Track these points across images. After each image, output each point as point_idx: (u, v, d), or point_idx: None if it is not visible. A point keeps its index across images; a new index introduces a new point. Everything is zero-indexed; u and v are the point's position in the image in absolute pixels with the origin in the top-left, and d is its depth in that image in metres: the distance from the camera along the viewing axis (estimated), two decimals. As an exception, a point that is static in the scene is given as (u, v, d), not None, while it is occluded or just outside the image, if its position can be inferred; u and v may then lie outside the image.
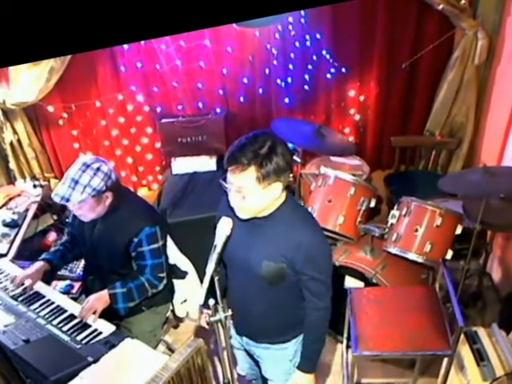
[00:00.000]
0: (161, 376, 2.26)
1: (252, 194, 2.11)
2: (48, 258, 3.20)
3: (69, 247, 3.24)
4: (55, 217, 4.32)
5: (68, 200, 2.69)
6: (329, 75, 4.81)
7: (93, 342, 2.70)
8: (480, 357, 2.85)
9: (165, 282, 3.05)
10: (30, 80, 4.34)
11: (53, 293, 3.12)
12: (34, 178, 4.59)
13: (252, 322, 2.56)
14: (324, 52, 4.70)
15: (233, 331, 2.71)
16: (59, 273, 3.62)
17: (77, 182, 2.68)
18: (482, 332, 3.01)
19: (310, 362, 2.51)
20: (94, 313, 2.85)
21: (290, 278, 2.29)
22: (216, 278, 2.16)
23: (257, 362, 2.81)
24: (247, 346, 2.72)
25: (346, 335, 3.60)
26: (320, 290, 2.35)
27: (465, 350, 2.93)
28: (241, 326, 2.64)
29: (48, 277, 3.20)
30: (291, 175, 2.23)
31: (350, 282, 3.55)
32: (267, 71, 4.77)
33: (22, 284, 3.06)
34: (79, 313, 2.85)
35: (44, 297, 3.05)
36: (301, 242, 2.19)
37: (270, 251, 2.25)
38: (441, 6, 4.12)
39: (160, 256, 2.99)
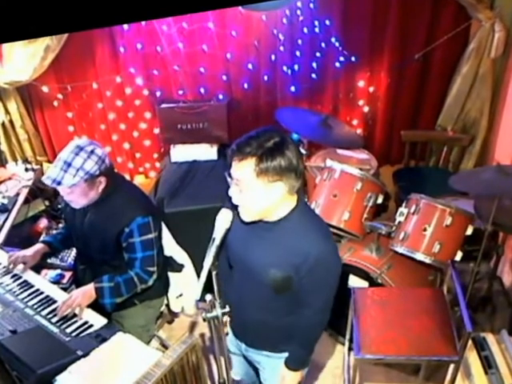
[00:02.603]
0: (153, 373, 2.26)
1: (248, 188, 2.08)
2: (48, 240, 3.24)
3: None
4: (47, 202, 4.29)
5: (60, 183, 2.67)
6: (337, 64, 4.78)
7: (83, 334, 2.69)
8: (488, 364, 2.82)
9: (155, 276, 3.02)
10: (25, 58, 4.31)
11: (42, 282, 3.11)
12: (25, 161, 4.57)
13: (252, 329, 2.52)
14: (333, 39, 4.67)
15: (231, 336, 2.68)
16: (49, 261, 3.61)
17: (69, 165, 2.66)
18: (490, 338, 2.98)
19: (295, 361, 2.49)
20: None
21: (297, 287, 2.25)
22: (214, 273, 2.15)
23: (255, 369, 2.78)
24: (246, 353, 2.68)
25: (348, 337, 3.60)
26: (318, 304, 2.32)
27: (472, 357, 2.90)
28: (240, 331, 2.61)
29: (37, 265, 3.19)
30: (299, 180, 2.16)
31: (354, 282, 3.53)
32: (273, 57, 4.74)
33: (14, 264, 3.08)
34: (58, 308, 2.82)
35: (33, 286, 3.04)
36: (309, 252, 2.14)
37: (278, 259, 2.21)
38: (457, -4, 4.10)
39: (152, 248, 2.96)
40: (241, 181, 2.08)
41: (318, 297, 2.29)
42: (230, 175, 2.14)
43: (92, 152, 2.71)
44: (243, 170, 2.05)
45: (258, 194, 2.09)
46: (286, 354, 2.50)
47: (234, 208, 2.23)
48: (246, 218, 2.20)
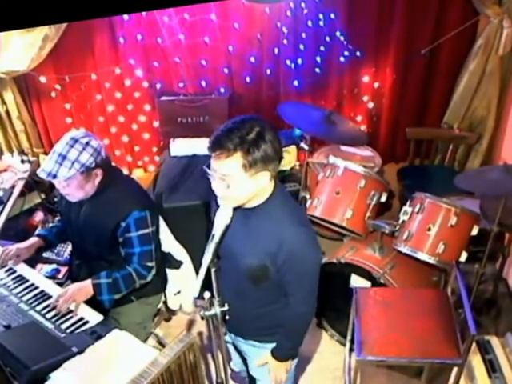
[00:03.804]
0: (150, 371, 2.25)
1: (237, 182, 2.08)
2: (43, 233, 3.22)
3: None
4: (43, 195, 4.27)
5: (55, 176, 2.65)
6: (342, 58, 4.78)
7: (78, 331, 2.68)
8: (492, 368, 2.83)
9: (154, 272, 3.01)
10: (22, 47, 4.29)
11: (37, 277, 3.09)
12: (22, 152, 4.54)
13: (238, 319, 2.50)
14: (338, 33, 4.66)
15: None
16: (45, 255, 3.60)
17: (64, 157, 2.65)
18: (495, 341, 2.98)
19: (281, 351, 2.51)
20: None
21: (274, 277, 2.26)
22: (213, 270, 2.13)
23: (244, 360, 2.81)
24: (236, 342, 2.72)
25: (349, 338, 3.58)
26: (300, 295, 2.33)
27: (476, 360, 2.90)
28: (229, 321, 2.62)
29: (32, 259, 3.18)
30: (280, 164, 2.18)
31: (356, 281, 3.52)
32: (276, 51, 4.74)
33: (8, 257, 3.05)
34: (54, 301, 2.80)
35: (28, 280, 3.03)
36: (283, 241, 2.16)
37: (253, 247, 2.23)
38: (465, -10, 4.09)
39: (149, 243, 2.95)
40: (228, 176, 2.07)
41: (298, 287, 2.30)
42: (209, 168, 2.13)
43: (87, 144, 2.70)
44: (230, 167, 2.05)
45: (245, 186, 2.10)
46: (271, 345, 2.52)
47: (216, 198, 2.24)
48: (227, 206, 2.20)
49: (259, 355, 2.59)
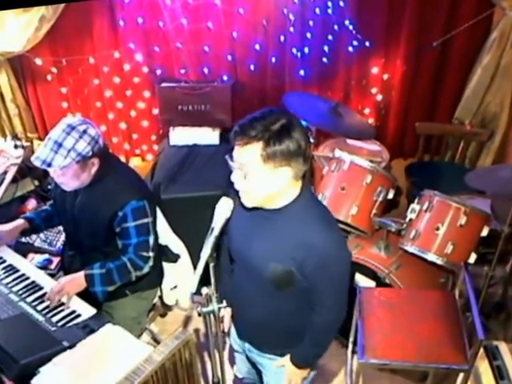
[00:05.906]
0: (143, 369, 2.23)
1: (254, 173, 2.04)
2: (30, 216, 3.20)
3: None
4: (36, 182, 4.26)
5: (50, 164, 2.64)
6: (350, 48, 4.76)
7: (70, 324, 2.68)
8: (500, 374, 2.81)
9: (151, 263, 2.99)
10: (18, 28, 4.28)
11: (29, 267, 3.09)
12: (15, 137, 4.52)
13: (255, 329, 2.50)
14: (347, 22, 4.64)
15: (234, 334, 2.66)
16: (37, 245, 3.59)
17: (60, 145, 2.62)
18: (503, 347, 2.96)
19: (302, 357, 2.46)
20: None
21: (300, 284, 2.21)
22: (211, 265, 2.12)
23: (257, 370, 2.76)
24: (249, 353, 2.65)
25: (352, 339, 3.57)
26: (330, 302, 2.28)
27: (483, 366, 2.88)
28: (242, 330, 2.59)
29: (24, 249, 3.17)
30: (306, 164, 2.13)
31: (360, 281, 3.52)
32: (282, 39, 4.71)
33: None
34: (47, 295, 2.79)
35: (18, 270, 3.02)
36: (314, 244, 2.10)
37: (278, 251, 2.17)
38: (480, -19, 4.07)
39: (146, 234, 2.94)
40: (246, 166, 2.04)
41: (330, 294, 2.25)
42: (231, 158, 2.11)
43: (84, 132, 2.68)
44: (249, 155, 2.01)
45: (263, 179, 2.05)
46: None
47: (237, 194, 2.20)
48: (247, 204, 2.17)
49: (277, 369, 2.54)
